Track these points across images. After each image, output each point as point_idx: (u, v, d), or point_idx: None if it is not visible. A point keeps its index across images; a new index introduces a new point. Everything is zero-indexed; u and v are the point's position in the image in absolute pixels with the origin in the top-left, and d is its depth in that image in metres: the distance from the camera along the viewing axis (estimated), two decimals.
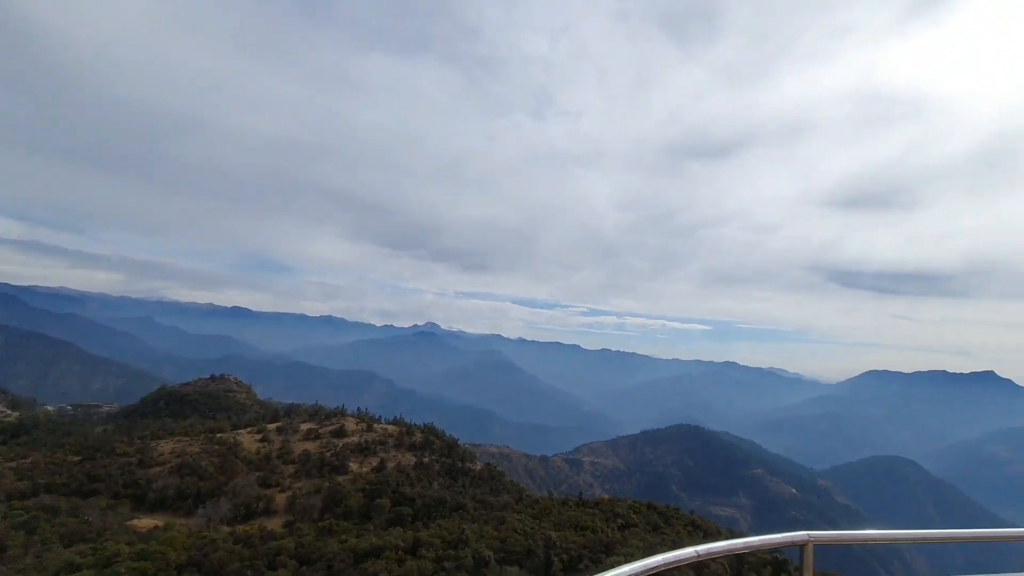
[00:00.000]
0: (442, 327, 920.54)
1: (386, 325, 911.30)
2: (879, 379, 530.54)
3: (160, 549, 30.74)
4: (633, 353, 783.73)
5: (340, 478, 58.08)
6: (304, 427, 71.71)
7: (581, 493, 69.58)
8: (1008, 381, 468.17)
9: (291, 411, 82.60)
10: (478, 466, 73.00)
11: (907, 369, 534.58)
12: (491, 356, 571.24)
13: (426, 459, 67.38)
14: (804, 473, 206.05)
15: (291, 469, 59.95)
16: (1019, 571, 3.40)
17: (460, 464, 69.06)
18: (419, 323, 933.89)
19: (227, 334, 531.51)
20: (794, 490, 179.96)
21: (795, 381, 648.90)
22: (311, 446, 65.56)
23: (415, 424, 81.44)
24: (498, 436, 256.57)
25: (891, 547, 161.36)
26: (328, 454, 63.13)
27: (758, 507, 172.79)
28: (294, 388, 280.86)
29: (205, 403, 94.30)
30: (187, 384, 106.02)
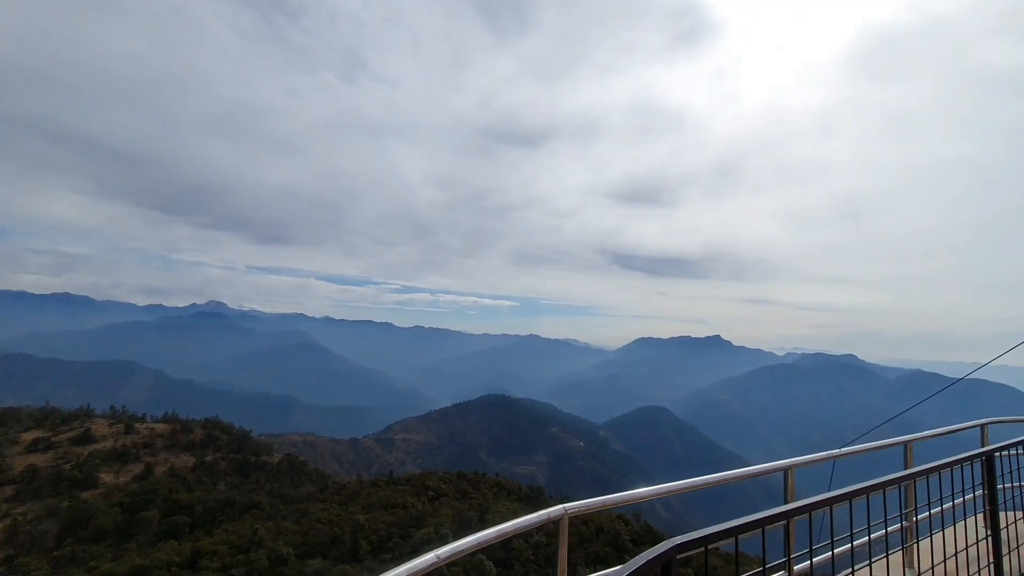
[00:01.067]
0: (231, 306, 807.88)
1: (153, 305, 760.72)
2: (645, 345, 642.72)
3: None
4: (446, 329, 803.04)
5: (86, 494, 46.66)
6: (28, 437, 55.56)
7: (391, 472, 68.38)
8: (728, 342, 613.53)
9: (6, 417, 63.00)
10: (276, 458, 65.95)
11: (665, 336, 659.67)
12: (293, 337, 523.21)
13: (209, 458, 58.19)
14: (590, 427, 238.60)
15: (9, 491, 46.16)
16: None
17: (254, 458, 61.39)
18: (199, 302, 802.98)
19: None
20: (582, 443, 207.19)
21: (585, 349, 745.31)
22: (39, 459, 51.27)
23: (194, 420, 69.58)
24: (302, 423, 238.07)
25: (648, 478, 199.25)
26: (67, 466, 50.07)
27: (553, 461, 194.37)
28: (10, 389, 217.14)
29: None
30: None
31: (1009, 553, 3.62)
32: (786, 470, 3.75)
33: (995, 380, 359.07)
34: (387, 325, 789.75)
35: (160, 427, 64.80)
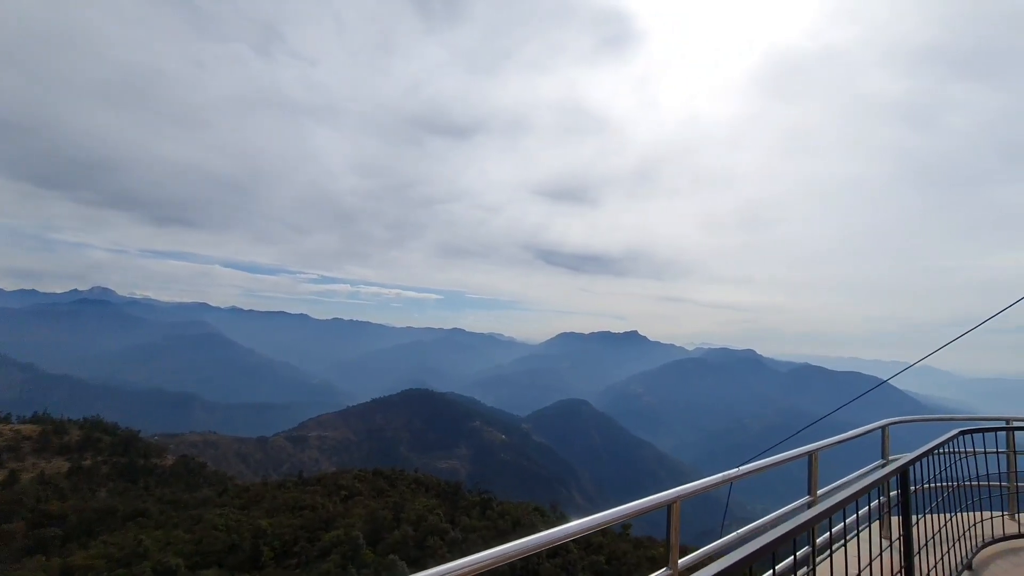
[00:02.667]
0: (119, 293, 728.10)
1: (25, 290, 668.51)
2: (568, 339, 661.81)
3: None
4: (367, 322, 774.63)
5: None
6: None
7: (301, 472, 64.81)
8: (644, 337, 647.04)
9: None
10: (170, 460, 60.18)
11: (586, 330, 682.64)
12: (193, 328, 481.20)
13: (87, 462, 51.90)
14: (512, 420, 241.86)
15: None
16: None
17: (143, 461, 55.56)
18: (81, 288, 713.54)
19: None
20: (504, 436, 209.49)
21: (509, 343, 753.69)
22: None
23: (70, 420, 61.71)
24: (203, 422, 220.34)
25: (567, 469, 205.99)
26: None
27: (475, 455, 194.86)
28: None
29: None
30: None
31: (918, 553, 3.65)
32: (670, 504, 3.34)
33: (868, 373, 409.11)
34: (303, 317, 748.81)
35: (28, 428, 56.90)
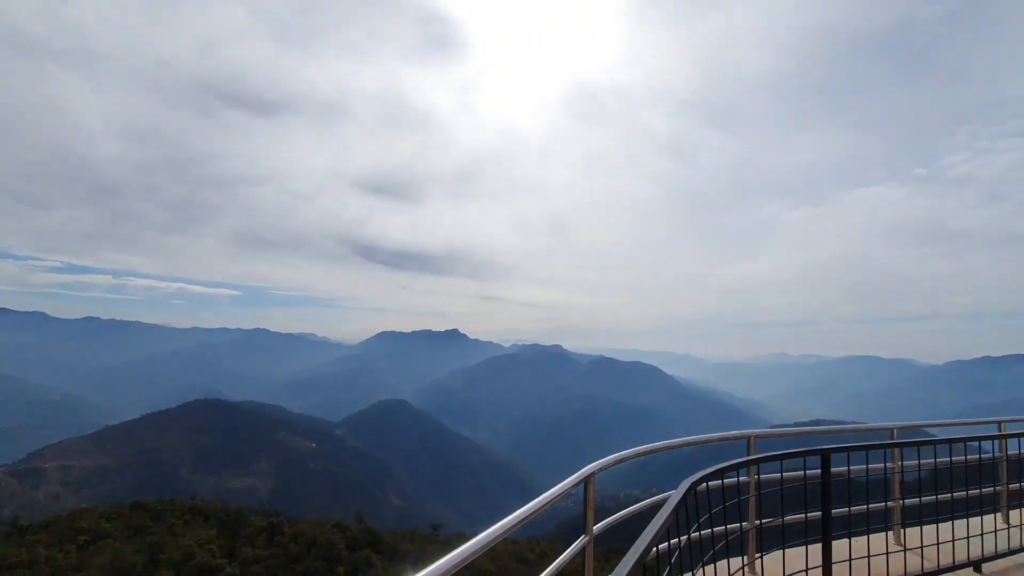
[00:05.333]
0: None
1: None
2: (387, 338, 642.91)
3: None
4: (136, 322, 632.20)
5: None
6: None
7: (17, 517, 48.44)
8: (464, 335, 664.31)
9: None
10: None
11: (407, 329, 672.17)
12: None
13: None
14: (324, 426, 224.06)
15: None
16: None
17: None
18: None
19: None
20: (313, 444, 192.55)
21: (323, 344, 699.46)
22: None
23: None
24: None
25: (384, 471, 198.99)
26: None
27: (279, 468, 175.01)
28: None
29: None
30: None
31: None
32: (586, 479, 3.36)
33: (647, 362, 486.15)
34: (38, 315, 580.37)
35: None
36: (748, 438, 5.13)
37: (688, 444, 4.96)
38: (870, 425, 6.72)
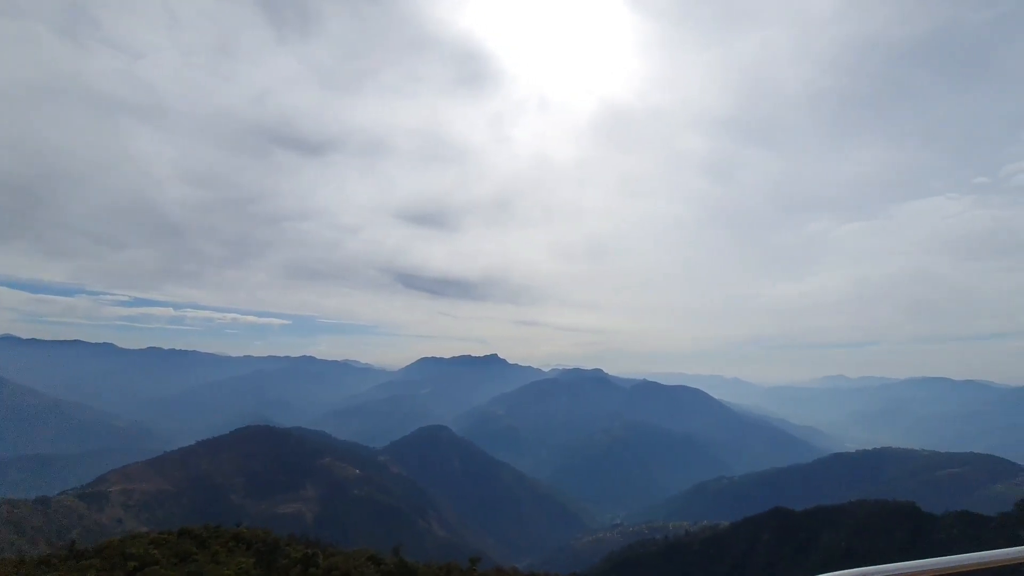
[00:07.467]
0: None
1: None
2: (428, 364, 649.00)
3: None
4: (193, 351, 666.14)
5: None
6: None
7: (74, 542, 50.44)
8: (504, 360, 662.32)
9: None
10: None
11: (447, 355, 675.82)
12: None
13: None
14: (367, 453, 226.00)
15: None
16: None
17: None
18: None
19: None
20: (357, 470, 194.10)
21: (366, 370, 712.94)
22: None
23: None
24: None
25: (426, 499, 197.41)
26: None
27: (325, 494, 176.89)
28: None
29: None
30: None
31: None
32: None
33: (693, 386, 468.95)
34: (107, 346, 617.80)
35: None
36: None
37: None
38: None
